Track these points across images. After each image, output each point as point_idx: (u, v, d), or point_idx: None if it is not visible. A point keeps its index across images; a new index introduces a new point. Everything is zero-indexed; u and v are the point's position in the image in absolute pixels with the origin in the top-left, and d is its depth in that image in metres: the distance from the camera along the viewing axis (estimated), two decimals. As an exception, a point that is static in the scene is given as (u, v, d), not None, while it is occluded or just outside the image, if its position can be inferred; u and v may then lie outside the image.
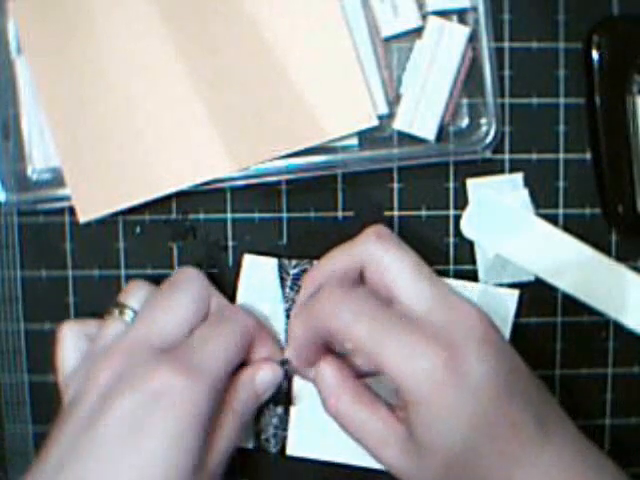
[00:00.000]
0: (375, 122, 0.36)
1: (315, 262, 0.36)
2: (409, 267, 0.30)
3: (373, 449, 0.30)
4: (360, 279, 0.32)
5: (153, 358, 0.30)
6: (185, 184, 0.36)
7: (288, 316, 0.36)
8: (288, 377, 0.36)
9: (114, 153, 0.36)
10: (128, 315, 0.33)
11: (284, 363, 0.34)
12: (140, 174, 0.36)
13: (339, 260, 0.32)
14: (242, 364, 0.33)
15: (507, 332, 0.37)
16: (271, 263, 0.37)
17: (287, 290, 0.36)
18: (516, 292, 0.37)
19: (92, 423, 0.29)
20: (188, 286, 0.32)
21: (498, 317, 0.36)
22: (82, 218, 0.36)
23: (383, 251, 0.31)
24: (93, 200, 0.36)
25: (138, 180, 0.36)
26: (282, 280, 0.37)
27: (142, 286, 0.34)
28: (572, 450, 0.29)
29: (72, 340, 0.33)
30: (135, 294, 0.33)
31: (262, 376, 0.33)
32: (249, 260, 0.37)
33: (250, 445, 0.37)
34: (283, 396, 0.36)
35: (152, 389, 0.29)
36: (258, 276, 0.37)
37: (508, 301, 0.37)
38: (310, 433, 0.36)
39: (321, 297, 0.30)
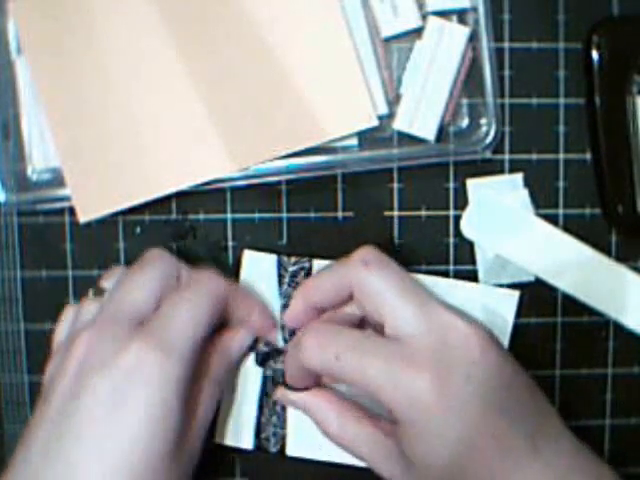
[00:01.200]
0: (375, 122, 0.36)
1: (315, 261, 0.36)
2: (395, 292, 0.31)
3: (370, 463, 0.32)
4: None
5: (124, 334, 0.30)
6: (185, 184, 0.36)
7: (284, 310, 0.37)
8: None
9: (114, 153, 0.36)
10: (105, 297, 0.33)
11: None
12: (140, 174, 0.36)
13: (328, 282, 0.33)
14: (221, 325, 0.34)
15: (508, 333, 0.37)
16: (270, 259, 0.37)
17: (285, 287, 0.36)
18: (516, 293, 0.37)
19: (71, 405, 0.29)
20: (155, 263, 0.32)
21: (499, 318, 0.36)
22: (82, 218, 0.36)
23: (368, 277, 0.31)
24: (93, 200, 0.36)
25: (138, 180, 0.36)
26: (280, 277, 0.37)
27: (119, 270, 0.34)
28: (566, 464, 0.29)
29: (65, 320, 0.34)
30: (111, 278, 0.34)
31: (236, 343, 0.34)
32: (249, 255, 0.37)
33: (250, 445, 0.37)
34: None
35: (125, 367, 0.29)
36: (257, 271, 0.37)
37: (509, 302, 0.37)
38: (309, 433, 0.36)
39: (305, 339, 0.31)
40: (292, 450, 0.37)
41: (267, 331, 0.35)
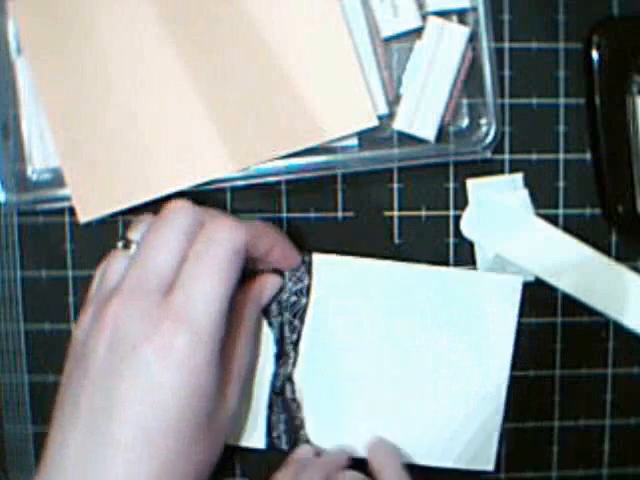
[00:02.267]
0: (375, 122, 0.36)
1: (314, 255, 0.37)
2: None
3: None
4: None
5: (152, 310, 0.29)
6: (185, 184, 0.36)
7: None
8: (289, 376, 0.36)
9: (114, 153, 0.36)
10: (132, 249, 0.32)
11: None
12: (140, 174, 0.36)
13: None
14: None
15: (514, 319, 0.37)
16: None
17: (285, 280, 0.36)
18: (520, 277, 0.37)
19: (106, 384, 0.29)
20: (177, 218, 0.32)
21: (504, 304, 0.35)
22: (82, 218, 0.36)
23: None
24: (93, 200, 0.36)
25: (138, 180, 0.36)
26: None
27: (145, 218, 0.34)
28: None
29: (102, 268, 0.34)
30: (139, 228, 0.33)
31: (267, 291, 0.35)
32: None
33: (262, 444, 0.37)
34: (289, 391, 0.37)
35: (156, 350, 0.29)
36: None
37: (512, 287, 0.37)
38: (324, 429, 0.36)
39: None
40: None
41: (290, 262, 0.36)
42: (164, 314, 0.29)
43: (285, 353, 0.36)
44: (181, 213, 0.32)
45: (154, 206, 0.37)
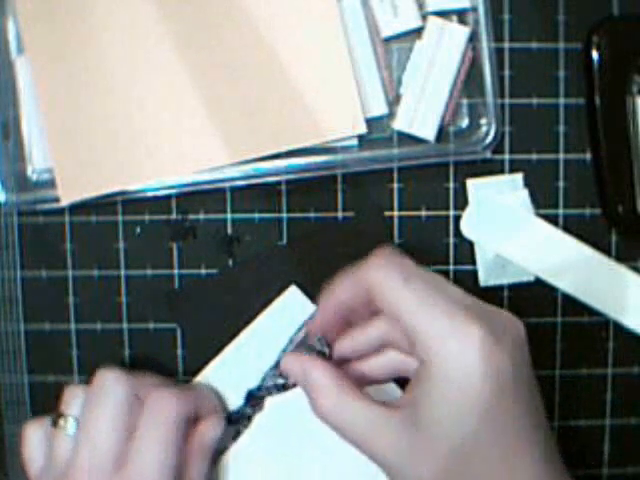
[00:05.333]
0: (363, 129, 0.36)
1: None
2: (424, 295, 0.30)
3: (365, 442, 0.30)
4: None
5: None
6: (177, 173, 0.36)
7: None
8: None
9: (104, 139, 0.36)
10: (71, 424, 0.33)
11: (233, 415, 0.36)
12: (131, 161, 0.36)
13: (345, 290, 0.32)
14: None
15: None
16: (307, 308, 0.36)
17: (297, 332, 0.36)
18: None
19: None
20: (112, 393, 0.33)
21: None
22: (65, 200, 0.36)
23: (403, 292, 0.30)
24: (78, 182, 0.36)
25: (128, 167, 0.36)
26: (303, 325, 0.36)
27: (77, 392, 0.34)
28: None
29: (36, 441, 0.34)
30: (74, 401, 0.34)
31: (210, 435, 0.35)
32: (293, 292, 0.37)
33: None
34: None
35: None
36: (289, 308, 0.37)
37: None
38: None
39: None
40: None
41: (217, 431, 0.35)
42: None
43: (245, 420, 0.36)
44: (116, 386, 0.33)
45: (154, 206, 0.37)
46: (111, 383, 0.33)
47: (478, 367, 0.28)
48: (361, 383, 0.32)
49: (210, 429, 0.35)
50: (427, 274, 0.31)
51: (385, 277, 0.30)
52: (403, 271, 0.30)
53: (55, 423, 0.33)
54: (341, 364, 0.33)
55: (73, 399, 0.34)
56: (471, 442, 0.28)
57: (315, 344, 0.33)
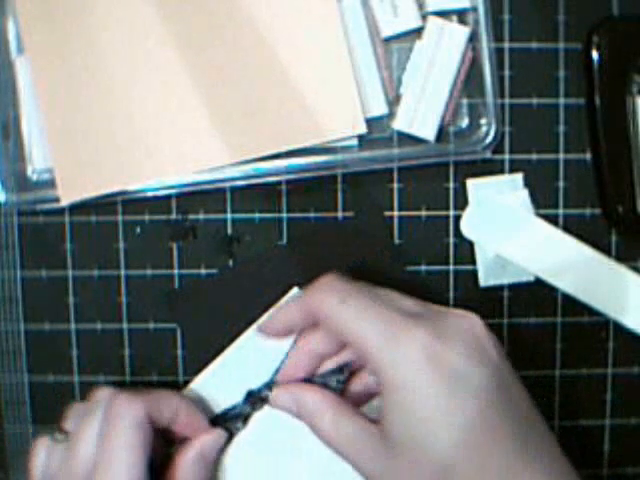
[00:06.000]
0: (363, 130, 0.36)
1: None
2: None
3: (351, 457, 0.31)
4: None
5: None
6: (177, 173, 0.36)
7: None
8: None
9: (105, 139, 0.36)
10: (66, 439, 0.33)
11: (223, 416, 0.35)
12: (131, 161, 0.36)
13: (293, 315, 0.34)
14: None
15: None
16: None
17: None
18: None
19: None
20: (97, 409, 0.33)
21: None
22: (64, 200, 0.36)
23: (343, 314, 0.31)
24: (78, 182, 0.36)
25: (128, 167, 0.36)
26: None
27: (78, 408, 0.34)
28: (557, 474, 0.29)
29: (40, 455, 0.34)
30: (73, 417, 0.34)
31: (209, 446, 0.34)
32: (295, 293, 0.37)
33: None
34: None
35: None
36: None
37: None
38: None
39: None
40: None
41: (196, 428, 0.34)
42: None
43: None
44: (103, 402, 0.33)
45: (154, 206, 0.37)
46: (100, 399, 0.33)
47: (425, 370, 0.28)
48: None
49: (209, 440, 0.34)
50: (371, 292, 0.32)
51: (324, 299, 0.31)
52: (341, 292, 0.31)
53: (54, 438, 0.34)
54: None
55: (73, 415, 0.34)
56: (447, 450, 0.28)
57: (329, 378, 0.34)
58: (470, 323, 0.30)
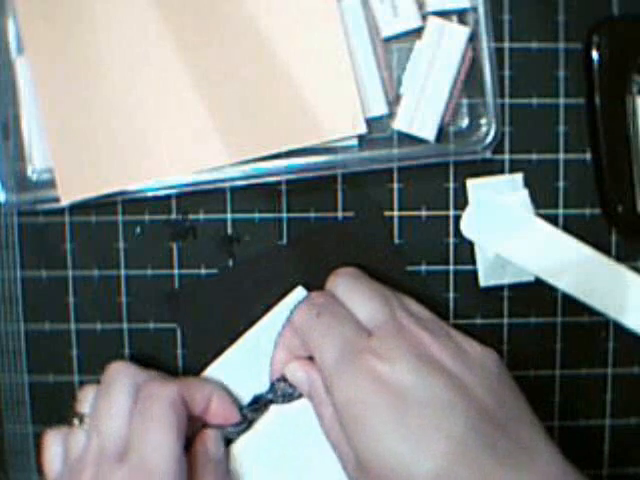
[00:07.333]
0: (363, 130, 0.36)
1: None
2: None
3: (344, 466, 0.32)
4: None
5: (115, 471, 0.31)
6: (177, 173, 0.36)
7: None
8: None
9: (105, 139, 0.36)
10: (86, 422, 0.33)
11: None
12: (131, 161, 0.36)
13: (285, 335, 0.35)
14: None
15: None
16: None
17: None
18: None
19: None
20: (118, 383, 0.33)
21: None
22: (64, 199, 0.36)
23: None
24: (78, 182, 0.36)
25: (128, 166, 0.36)
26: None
27: (90, 390, 0.34)
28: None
29: (54, 447, 0.34)
30: (86, 399, 0.34)
31: (209, 444, 0.34)
32: (300, 292, 0.37)
33: None
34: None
35: None
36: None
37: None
38: None
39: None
40: None
41: (227, 416, 0.35)
42: (126, 475, 0.30)
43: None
44: (120, 375, 0.33)
45: (154, 206, 0.37)
46: (116, 373, 0.33)
47: (369, 390, 0.29)
48: None
49: (208, 442, 0.34)
50: (343, 309, 0.33)
51: (304, 309, 0.34)
52: (320, 306, 0.33)
53: (70, 422, 0.33)
54: None
55: (86, 397, 0.34)
56: (397, 464, 0.28)
57: None
58: (422, 338, 0.31)
